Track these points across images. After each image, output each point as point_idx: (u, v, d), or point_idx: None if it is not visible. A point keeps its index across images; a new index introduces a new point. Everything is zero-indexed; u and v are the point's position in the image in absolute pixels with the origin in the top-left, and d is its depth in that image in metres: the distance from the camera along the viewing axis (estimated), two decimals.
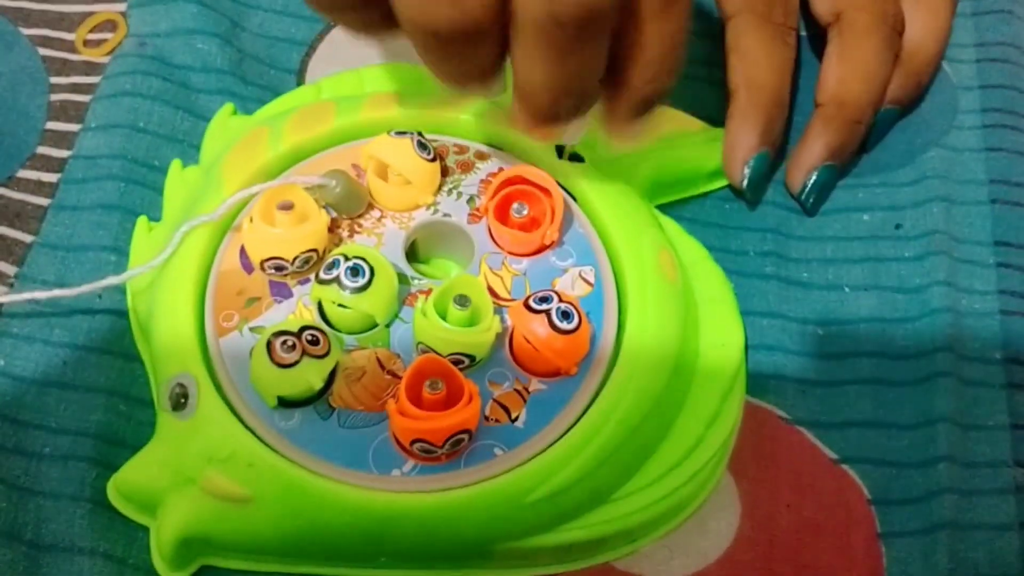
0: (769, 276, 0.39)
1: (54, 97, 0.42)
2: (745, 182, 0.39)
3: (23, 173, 0.40)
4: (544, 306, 0.32)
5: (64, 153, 0.40)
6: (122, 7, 0.44)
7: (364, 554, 0.32)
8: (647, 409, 0.32)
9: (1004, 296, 0.39)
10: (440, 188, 0.36)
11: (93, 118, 0.41)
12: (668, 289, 0.34)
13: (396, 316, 0.34)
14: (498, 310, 0.33)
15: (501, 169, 0.37)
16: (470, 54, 0.29)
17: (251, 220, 0.34)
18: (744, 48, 0.40)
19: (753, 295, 0.39)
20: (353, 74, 0.40)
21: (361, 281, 0.32)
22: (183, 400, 0.32)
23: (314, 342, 0.31)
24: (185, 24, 0.42)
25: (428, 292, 0.34)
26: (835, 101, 0.40)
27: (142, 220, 0.38)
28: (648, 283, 0.34)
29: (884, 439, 0.36)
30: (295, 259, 0.34)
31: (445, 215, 0.36)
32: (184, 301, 0.33)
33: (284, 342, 0.31)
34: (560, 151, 0.37)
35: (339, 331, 0.33)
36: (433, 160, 0.35)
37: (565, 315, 0.32)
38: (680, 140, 0.40)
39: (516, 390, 0.33)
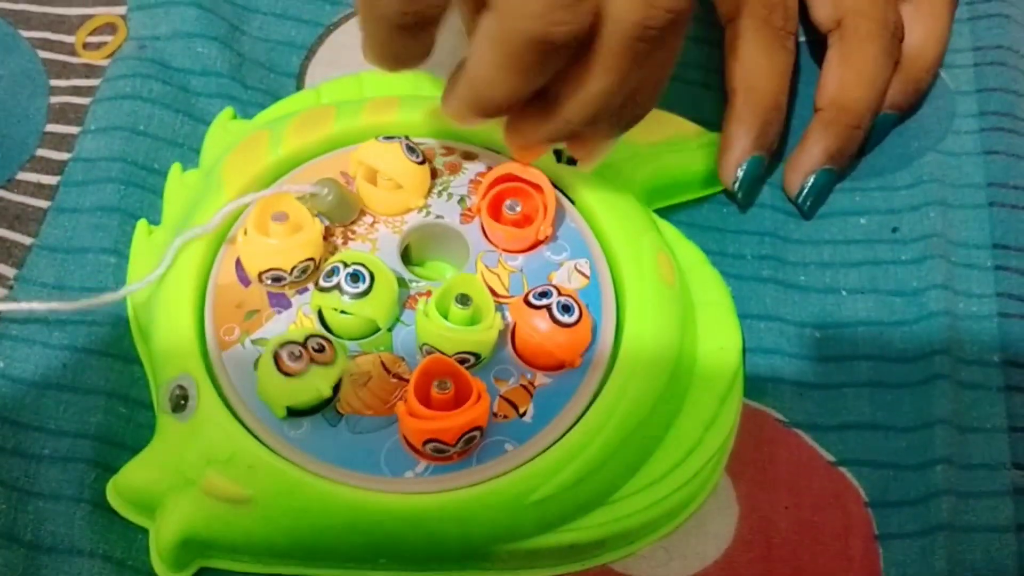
0: (767, 279, 0.39)
1: (54, 100, 0.42)
2: (737, 185, 0.39)
3: (23, 175, 0.40)
4: (544, 301, 0.32)
5: (64, 156, 0.40)
6: (122, 10, 0.44)
7: (365, 556, 0.32)
8: (646, 412, 0.32)
9: (1002, 299, 0.39)
10: (430, 190, 0.36)
11: (93, 121, 0.41)
12: (666, 293, 0.35)
13: (397, 319, 0.34)
14: (498, 307, 0.33)
15: (489, 168, 0.37)
16: (550, 66, 0.29)
17: (245, 232, 0.34)
18: (743, 52, 0.40)
19: (751, 298, 0.39)
20: (353, 79, 0.40)
21: (362, 287, 0.32)
22: (183, 402, 0.32)
23: (320, 350, 0.31)
24: (185, 27, 0.43)
25: (427, 294, 0.34)
26: (835, 106, 0.40)
27: (142, 223, 0.38)
28: (647, 287, 0.34)
29: (882, 441, 0.36)
30: (293, 269, 0.34)
31: (438, 217, 0.36)
32: (184, 314, 0.33)
33: (291, 352, 0.31)
34: (559, 155, 0.37)
35: (341, 338, 0.33)
36: (422, 163, 0.36)
37: (566, 308, 0.32)
38: (677, 144, 0.40)
39: (522, 385, 0.33)
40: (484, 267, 0.35)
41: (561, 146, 0.37)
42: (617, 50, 0.29)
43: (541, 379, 0.33)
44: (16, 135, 0.41)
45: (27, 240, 0.38)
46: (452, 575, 0.33)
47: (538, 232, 0.35)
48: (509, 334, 0.34)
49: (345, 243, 0.35)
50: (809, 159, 0.40)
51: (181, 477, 0.31)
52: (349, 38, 0.45)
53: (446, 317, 0.32)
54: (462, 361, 0.32)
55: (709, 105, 0.42)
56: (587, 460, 0.31)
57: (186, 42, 0.42)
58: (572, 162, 0.37)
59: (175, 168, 0.39)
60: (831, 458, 0.36)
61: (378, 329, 0.33)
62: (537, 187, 0.35)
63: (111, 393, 0.35)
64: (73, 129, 0.41)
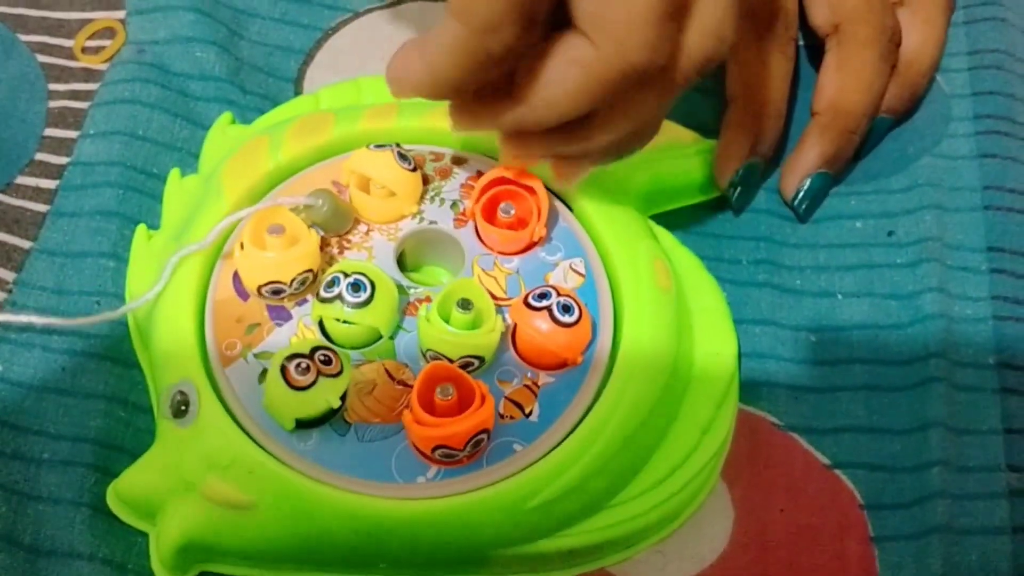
0: (762, 284, 0.39)
1: (53, 104, 0.42)
2: (733, 189, 0.40)
3: (22, 179, 0.40)
4: (544, 302, 0.33)
5: (63, 160, 0.40)
6: (121, 14, 0.44)
7: (366, 561, 0.32)
8: (642, 417, 0.33)
9: (997, 302, 0.39)
10: (423, 197, 0.37)
11: (92, 125, 0.41)
12: (663, 298, 0.35)
13: (399, 327, 0.34)
14: (498, 310, 0.33)
15: (479, 172, 0.37)
16: (625, 94, 0.29)
17: (242, 246, 0.34)
18: (743, 58, 0.40)
19: (746, 303, 0.39)
20: (351, 84, 0.41)
21: (363, 296, 0.32)
22: (184, 408, 0.32)
23: (327, 361, 0.31)
24: (184, 32, 0.43)
25: (427, 300, 0.34)
26: (832, 110, 0.40)
27: (141, 228, 0.38)
28: (643, 292, 0.34)
29: (877, 444, 0.36)
30: (292, 281, 0.34)
31: (432, 222, 0.36)
32: (184, 325, 0.33)
33: (298, 364, 0.31)
34: None
35: (344, 347, 0.33)
36: (414, 170, 0.36)
37: (566, 308, 0.32)
38: (673, 151, 0.40)
39: (526, 385, 0.33)
40: (480, 270, 0.35)
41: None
42: (680, 81, 0.29)
43: (544, 379, 0.33)
44: (15, 139, 0.41)
45: (26, 244, 0.38)
46: None
47: (532, 234, 0.35)
48: (510, 336, 0.34)
49: (341, 253, 0.35)
50: (805, 163, 0.40)
51: (181, 482, 0.31)
52: (347, 42, 0.45)
53: (448, 322, 0.32)
54: (466, 365, 0.32)
55: (705, 112, 0.42)
56: (586, 464, 0.32)
57: (185, 46, 0.42)
58: None
59: (174, 174, 0.39)
60: (826, 461, 0.36)
61: (380, 337, 0.34)
62: (530, 189, 0.35)
63: (111, 397, 0.35)
64: (72, 133, 0.41)
